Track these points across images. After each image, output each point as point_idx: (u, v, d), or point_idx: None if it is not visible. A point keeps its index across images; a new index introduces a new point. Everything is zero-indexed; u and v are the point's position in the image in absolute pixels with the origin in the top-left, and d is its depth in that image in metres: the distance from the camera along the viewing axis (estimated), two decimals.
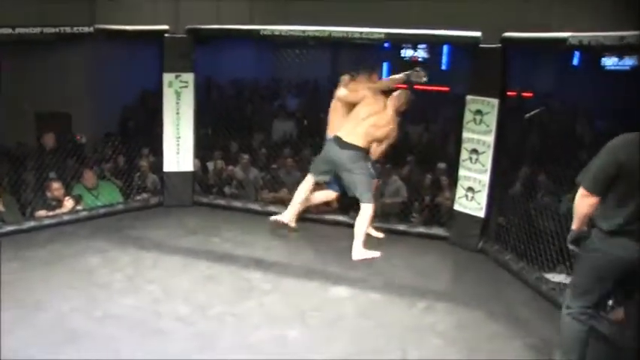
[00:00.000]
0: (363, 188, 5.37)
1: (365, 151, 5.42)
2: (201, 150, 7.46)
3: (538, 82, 12.08)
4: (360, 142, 5.37)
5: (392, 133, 5.53)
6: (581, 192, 3.31)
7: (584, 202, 3.31)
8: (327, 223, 6.10)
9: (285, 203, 6.20)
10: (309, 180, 5.77)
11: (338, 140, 5.41)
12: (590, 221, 3.40)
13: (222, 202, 6.67)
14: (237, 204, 6.63)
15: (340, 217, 6.12)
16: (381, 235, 5.81)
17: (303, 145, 8.21)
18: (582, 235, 3.41)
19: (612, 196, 3.24)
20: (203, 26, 6.44)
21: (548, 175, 6.81)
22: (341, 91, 5.70)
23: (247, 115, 8.77)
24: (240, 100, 10.99)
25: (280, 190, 7.38)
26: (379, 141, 5.50)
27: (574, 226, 3.43)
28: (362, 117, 5.41)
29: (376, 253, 5.33)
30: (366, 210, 5.36)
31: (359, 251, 5.32)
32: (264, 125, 8.93)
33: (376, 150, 5.57)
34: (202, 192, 7.10)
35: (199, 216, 6.21)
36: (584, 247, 3.39)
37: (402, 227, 6.14)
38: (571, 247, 3.49)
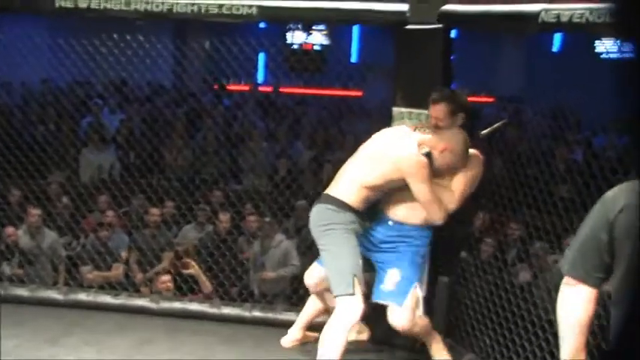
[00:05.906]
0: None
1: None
2: None
3: (501, 81, 12.53)
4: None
5: None
6: (566, 282, 2.98)
7: (574, 300, 2.94)
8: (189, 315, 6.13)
9: (115, 286, 6.40)
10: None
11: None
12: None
13: None
14: (23, 292, 6.56)
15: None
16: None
17: (129, 190, 8.11)
18: None
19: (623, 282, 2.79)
20: None
21: (523, 224, 6.95)
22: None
23: (37, 142, 8.59)
24: (23, 118, 10.79)
25: (113, 266, 7.30)
26: None
27: (565, 355, 3.00)
28: None
29: None
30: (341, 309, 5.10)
31: None
32: (65, 158, 8.78)
33: None
34: None
35: None
36: None
37: (295, 316, 6.10)
38: None
